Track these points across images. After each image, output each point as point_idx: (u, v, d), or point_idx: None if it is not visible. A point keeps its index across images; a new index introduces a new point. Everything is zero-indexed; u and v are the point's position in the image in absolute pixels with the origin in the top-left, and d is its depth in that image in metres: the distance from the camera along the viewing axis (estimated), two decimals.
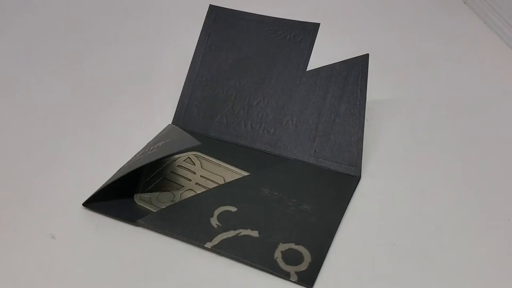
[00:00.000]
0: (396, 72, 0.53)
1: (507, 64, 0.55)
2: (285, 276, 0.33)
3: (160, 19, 0.64)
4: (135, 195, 0.38)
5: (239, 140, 0.44)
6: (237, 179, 0.40)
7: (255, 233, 0.36)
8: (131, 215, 0.37)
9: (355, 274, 0.34)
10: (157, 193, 0.39)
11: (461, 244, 0.36)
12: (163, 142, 0.39)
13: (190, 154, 0.42)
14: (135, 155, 0.41)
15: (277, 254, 0.34)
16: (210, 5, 0.47)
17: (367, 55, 0.42)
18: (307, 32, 0.44)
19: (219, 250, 0.35)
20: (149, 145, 0.41)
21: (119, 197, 0.38)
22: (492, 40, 0.60)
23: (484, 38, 0.60)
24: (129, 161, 0.40)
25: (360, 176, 0.41)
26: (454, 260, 0.35)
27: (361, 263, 0.34)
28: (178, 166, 0.41)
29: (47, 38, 0.60)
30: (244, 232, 0.36)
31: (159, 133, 0.43)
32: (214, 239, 0.35)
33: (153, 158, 0.37)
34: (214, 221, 0.36)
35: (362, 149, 0.41)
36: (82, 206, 0.38)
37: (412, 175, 0.41)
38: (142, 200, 0.38)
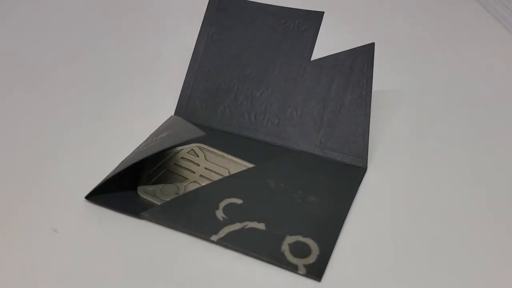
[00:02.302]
0: (401, 62, 0.53)
1: None
2: (293, 269, 0.33)
3: (161, 9, 0.63)
4: (138, 188, 0.38)
5: (243, 132, 0.43)
6: (242, 171, 0.40)
7: (261, 226, 0.35)
8: (135, 208, 0.36)
9: (364, 266, 0.33)
10: (161, 186, 0.38)
11: (470, 235, 0.35)
12: (166, 133, 0.38)
13: (193, 145, 0.42)
14: (138, 147, 0.40)
15: (285, 247, 0.34)
16: None
17: (373, 44, 0.41)
18: (311, 21, 0.43)
19: (225, 243, 0.34)
20: (152, 136, 0.40)
21: (122, 190, 0.38)
22: (498, 30, 0.59)
23: (490, 28, 0.60)
24: (131, 153, 0.39)
25: (367, 167, 0.40)
26: (463, 252, 0.34)
27: (370, 255, 0.34)
28: (182, 158, 0.41)
29: (46, 30, 0.59)
30: (250, 224, 0.35)
31: (162, 124, 0.43)
32: (220, 231, 0.35)
33: (157, 150, 0.36)
34: (219, 214, 0.36)
35: (368, 139, 0.40)
36: (84, 199, 0.37)
37: (419, 166, 0.41)
38: (146, 192, 0.37)
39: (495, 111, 0.47)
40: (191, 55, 0.45)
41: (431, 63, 0.53)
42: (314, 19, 0.43)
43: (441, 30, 0.59)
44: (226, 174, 0.39)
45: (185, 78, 0.45)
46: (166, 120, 0.43)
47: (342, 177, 0.39)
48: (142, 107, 0.46)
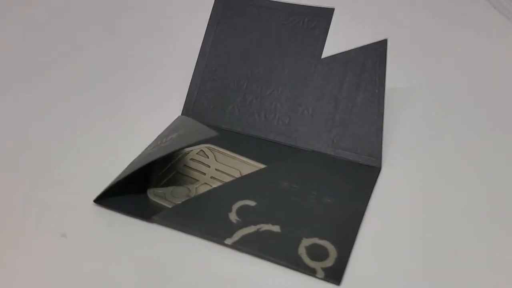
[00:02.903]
0: (413, 59, 0.52)
1: None
2: (311, 272, 0.32)
3: (166, 8, 0.62)
4: (148, 190, 0.37)
5: (253, 132, 0.42)
6: (254, 172, 0.39)
7: (276, 228, 0.34)
8: (145, 211, 0.35)
9: (384, 269, 0.32)
10: (171, 188, 0.37)
11: (492, 234, 0.34)
12: (176, 133, 0.37)
13: (202, 146, 0.41)
14: (146, 149, 0.39)
15: (301, 250, 0.33)
16: None
17: (386, 40, 0.40)
18: (321, 18, 0.42)
19: (239, 246, 0.33)
20: (160, 137, 0.39)
21: (131, 193, 0.37)
22: (507, 27, 0.59)
23: (500, 25, 0.59)
24: (140, 155, 0.38)
25: (381, 167, 0.39)
26: (485, 250, 0.33)
27: (389, 256, 0.33)
28: (191, 159, 0.40)
29: (53, 29, 0.58)
30: (265, 227, 0.34)
31: (170, 125, 0.42)
32: (234, 235, 0.34)
33: (168, 151, 0.35)
34: (233, 216, 0.35)
35: (382, 138, 0.39)
36: (93, 202, 0.36)
37: (434, 165, 0.40)
38: (156, 195, 0.36)
39: (509, 107, 0.46)
40: (197, 54, 0.44)
41: (443, 60, 0.52)
42: (324, 15, 0.42)
43: (453, 27, 0.58)
44: (237, 175, 0.38)
45: (192, 77, 0.44)
46: (174, 121, 0.42)
47: (357, 177, 0.38)
48: (148, 108, 0.45)
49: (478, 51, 0.54)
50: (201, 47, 0.44)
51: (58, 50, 0.54)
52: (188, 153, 0.40)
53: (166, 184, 0.37)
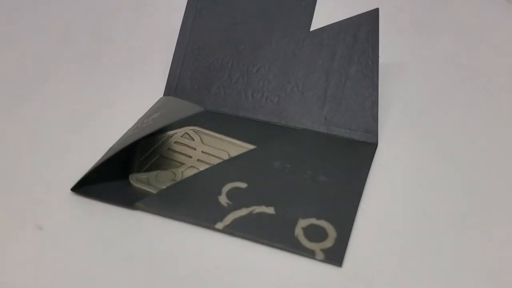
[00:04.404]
0: (404, 34, 0.50)
1: None
2: (310, 254, 0.29)
3: None
4: (130, 176, 0.34)
5: (240, 112, 0.40)
6: (243, 153, 0.36)
7: (270, 210, 0.32)
8: (128, 198, 0.32)
9: (387, 248, 0.30)
10: (155, 173, 0.34)
11: (495, 206, 0.32)
12: (158, 113, 0.35)
13: (187, 129, 0.38)
14: (126, 132, 0.36)
15: (298, 231, 0.31)
16: None
17: (377, 9, 0.38)
18: None
19: (232, 230, 0.31)
20: (141, 119, 0.36)
21: (111, 179, 0.34)
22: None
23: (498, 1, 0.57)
24: (119, 139, 0.36)
25: (377, 142, 0.37)
26: (491, 224, 0.31)
27: (392, 235, 0.31)
28: (176, 142, 0.37)
29: (27, 11, 0.55)
30: (258, 209, 0.32)
31: (152, 106, 0.39)
32: (225, 218, 0.31)
33: (150, 131, 0.32)
34: (223, 199, 0.32)
35: (377, 113, 0.37)
36: (70, 191, 0.33)
37: (432, 139, 0.38)
38: (138, 181, 0.34)
39: (504, 80, 0.44)
40: (178, 32, 0.42)
41: (437, 34, 0.50)
42: None
43: (448, 0, 0.56)
44: (226, 157, 0.36)
45: (173, 57, 0.41)
46: (157, 102, 0.39)
47: (352, 154, 0.36)
48: (129, 91, 0.43)
49: (474, 24, 0.52)
50: (181, 24, 0.42)
51: (32, 32, 0.51)
52: (172, 136, 0.38)
53: (150, 169, 0.35)
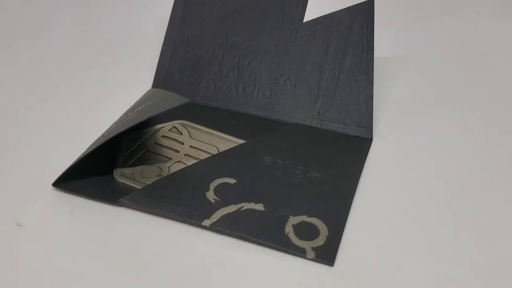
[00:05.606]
0: (400, 26, 0.49)
1: None
2: (300, 253, 0.28)
3: None
4: (114, 171, 0.33)
5: (231, 106, 0.38)
6: (233, 147, 0.35)
7: (259, 207, 0.31)
8: (111, 194, 0.31)
9: (380, 247, 0.29)
10: (140, 168, 0.33)
11: (492, 203, 0.31)
12: (143, 106, 0.33)
13: (175, 122, 0.37)
14: (111, 125, 0.35)
15: (288, 229, 0.29)
16: None
17: (372, 0, 0.37)
18: None
19: (219, 228, 0.29)
20: (127, 112, 0.35)
21: (95, 174, 0.32)
22: None
23: None
24: (104, 132, 0.34)
25: (372, 137, 0.36)
26: (486, 221, 0.30)
27: (386, 233, 0.30)
28: (163, 136, 0.36)
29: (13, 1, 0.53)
30: (247, 206, 0.31)
31: (139, 99, 0.38)
32: (213, 215, 0.30)
33: (134, 123, 0.31)
34: (210, 196, 0.31)
35: (372, 107, 0.36)
36: (52, 186, 0.32)
37: (427, 133, 0.37)
38: (123, 176, 0.32)
39: (500, 73, 0.43)
40: (167, 22, 0.40)
41: (434, 27, 0.49)
42: None
43: None
44: (214, 152, 0.35)
45: (162, 48, 0.40)
46: (144, 94, 0.38)
47: (346, 150, 0.35)
48: (115, 83, 0.41)
49: (470, 17, 0.51)
50: (171, 14, 0.40)
51: (18, 23, 0.50)
52: (160, 129, 0.36)
53: (135, 164, 0.33)
